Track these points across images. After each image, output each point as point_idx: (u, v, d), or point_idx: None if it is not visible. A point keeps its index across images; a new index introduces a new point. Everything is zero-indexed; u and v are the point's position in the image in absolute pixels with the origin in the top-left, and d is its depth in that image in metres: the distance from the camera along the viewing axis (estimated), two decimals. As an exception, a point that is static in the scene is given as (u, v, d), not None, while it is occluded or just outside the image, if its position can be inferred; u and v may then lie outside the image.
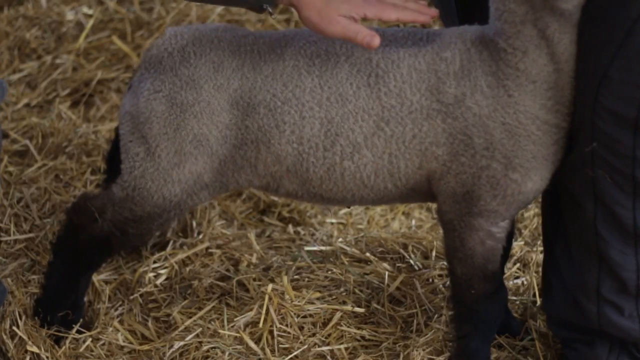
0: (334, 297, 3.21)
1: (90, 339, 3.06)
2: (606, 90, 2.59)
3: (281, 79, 2.78)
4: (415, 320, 3.13)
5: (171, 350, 3.01)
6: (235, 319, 3.09)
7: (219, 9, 4.57)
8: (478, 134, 2.69)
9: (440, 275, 3.30)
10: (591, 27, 2.60)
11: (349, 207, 3.64)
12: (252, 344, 3.01)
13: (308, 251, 3.44)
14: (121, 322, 3.16)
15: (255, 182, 2.85)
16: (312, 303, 3.14)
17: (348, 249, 3.43)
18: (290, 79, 2.77)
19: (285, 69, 2.78)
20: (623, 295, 2.76)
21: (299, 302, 3.13)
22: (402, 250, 3.42)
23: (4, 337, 3.04)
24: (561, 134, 2.71)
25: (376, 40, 2.63)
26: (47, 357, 3.00)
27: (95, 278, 3.27)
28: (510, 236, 3.00)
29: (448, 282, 3.23)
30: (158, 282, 3.32)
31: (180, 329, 3.09)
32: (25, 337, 3.02)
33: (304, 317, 3.11)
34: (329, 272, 3.31)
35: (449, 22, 2.95)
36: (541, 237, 3.39)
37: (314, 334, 3.07)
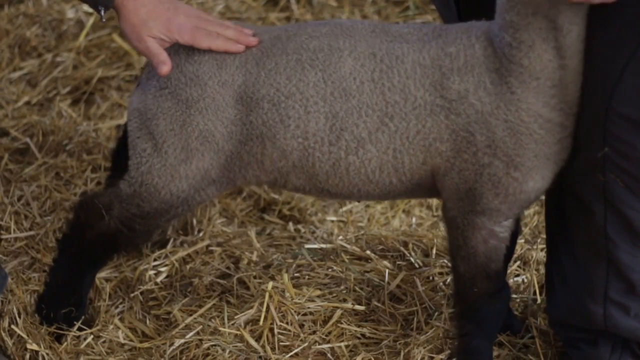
0: (334, 294, 3.21)
1: (91, 337, 3.06)
2: (620, 95, 2.58)
3: (284, 73, 2.78)
4: (415, 318, 3.13)
5: (172, 348, 3.01)
6: (236, 317, 3.09)
7: (219, 7, 4.57)
8: (480, 131, 2.69)
9: (440, 273, 3.30)
10: (604, 32, 2.58)
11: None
12: (252, 342, 3.01)
13: (308, 249, 3.44)
14: (122, 320, 3.16)
15: (263, 177, 2.85)
16: (313, 301, 3.14)
17: (348, 246, 3.43)
18: (294, 73, 2.77)
19: (288, 62, 2.78)
20: (631, 295, 2.77)
21: (299, 299, 3.13)
22: (402, 248, 3.42)
23: (3, 335, 3.05)
24: (565, 134, 2.69)
25: (164, 69, 2.80)
26: (47, 354, 3.00)
27: (96, 276, 3.27)
28: (514, 236, 3.00)
29: (448, 280, 3.24)
30: (158, 279, 3.33)
31: (180, 326, 3.09)
32: (24, 335, 3.02)
33: (305, 314, 3.11)
34: (330, 270, 3.31)
35: (445, 14, 2.95)
36: (541, 235, 3.39)
37: (314, 332, 3.07)
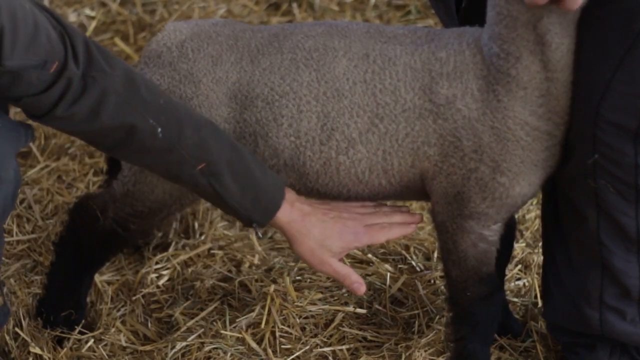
0: (335, 298, 3.22)
1: (93, 340, 3.07)
2: (608, 103, 2.59)
3: (279, 72, 2.78)
4: (416, 322, 3.14)
5: (173, 351, 3.01)
6: (237, 320, 3.10)
7: (221, 11, 4.57)
8: (467, 136, 2.70)
9: (442, 277, 3.30)
10: (592, 40, 2.59)
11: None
12: (254, 345, 3.02)
13: (310, 252, 3.44)
14: (123, 323, 3.17)
15: None
16: (314, 304, 3.15)
17: (350, 250, 3.43)
18: (288, 72, 2.78)
19: (283, 62, 2.79)
20: (626, 300, 2.77)
21: (300, 303, 3.13)
22: (403, 252, 3.42)
23: (7, 338, 3.05)
24: (553, 142, 2.70)
25: (361, 289, 2.79)
26: (50, 358, 3.00)
27: (98, 279, 3.28)
28: (510, 239, 3.00)
29: (449, 284, 3.24)
30: (160, 283, 3.33)
31: (182, 329, 3.10)
32: (27, 339, 3.03)
33: (306, 318, 3.12)
34: (331, 273, 3.31)
35: (450, 24, 2.96)
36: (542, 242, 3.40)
37: (315, 335, 3.08)
